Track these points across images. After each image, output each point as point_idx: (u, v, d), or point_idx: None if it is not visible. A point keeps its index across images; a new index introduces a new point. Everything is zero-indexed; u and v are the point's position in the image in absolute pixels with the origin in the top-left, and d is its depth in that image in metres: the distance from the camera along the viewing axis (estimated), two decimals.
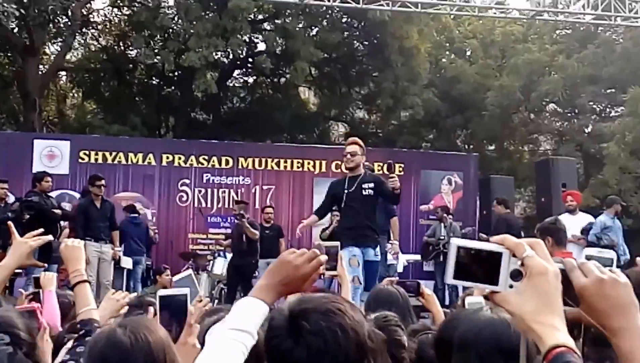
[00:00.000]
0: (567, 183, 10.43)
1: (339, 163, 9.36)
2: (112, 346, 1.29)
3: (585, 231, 8.44)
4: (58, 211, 8.32)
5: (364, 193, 5.43)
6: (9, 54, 14.46)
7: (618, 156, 13.11)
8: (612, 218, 8.64)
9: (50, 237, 2.50)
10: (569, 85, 14.49)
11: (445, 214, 9.86)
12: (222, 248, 10.23)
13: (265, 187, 11.39)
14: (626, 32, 14.28)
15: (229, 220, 11.09)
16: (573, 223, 8.05)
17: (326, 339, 1.07)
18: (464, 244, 0.86)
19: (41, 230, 2.52)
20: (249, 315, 1.24)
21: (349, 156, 5.34)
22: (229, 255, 9.40)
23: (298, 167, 11.67)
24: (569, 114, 16.38)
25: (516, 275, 0.83)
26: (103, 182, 8.33)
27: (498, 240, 0.90)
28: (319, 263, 1.25)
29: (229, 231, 10.56)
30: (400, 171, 10.93)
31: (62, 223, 8.56)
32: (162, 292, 2.03)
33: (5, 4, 11.61)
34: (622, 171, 13.22)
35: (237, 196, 11.22)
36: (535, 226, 5.58)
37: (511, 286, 0.78)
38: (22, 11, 12.73)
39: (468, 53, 16.34)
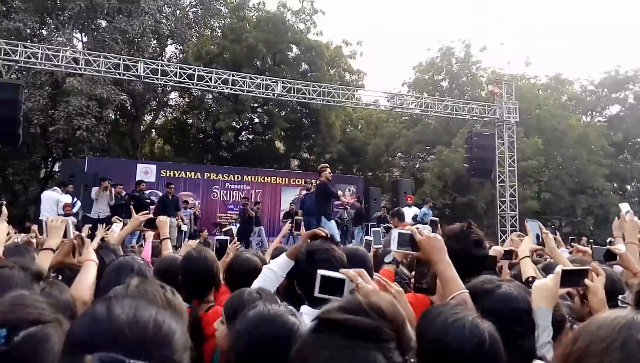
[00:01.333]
0: (406, 191, 16.01)
1: (295, 179, 17.23)
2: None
3: (415, 216, 11.90)
4: (148, 201, 11.74)
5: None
6: (124, 120, 22.07)
7: (431, 179, 20.85)
8: (428, 209, 12.73)
9: (150, 215, 3.66)
10: (408, 144, 23.27)
11: (347, 207, 14.70)
12: (234, 220, 15.11)
13: (257, 190, 17.06)
14: (436, 119, 22.10)
15: (238, 207, 15.73)
16: (409, 212, 11.99)
17: (330, 263, 1.74)
18: (325, 274, 1.39)
19: (146, 211, 3.92)
20: (279, 262, 2.05)
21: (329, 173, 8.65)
22: (235, 226, 12.84)
23: (273, 181, 17.33)
24: (407, 158, 25.02)
25: (352, 291, 1.35)
26: (172, 186, 12.13)
27: (344, 272, 1.47)
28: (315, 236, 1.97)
29: (238, 212, 15.20)
30: None
31: (151, 207, 11.17)
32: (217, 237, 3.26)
33: (122, 94, 18.51)
34: (432, 187, 20.81)
35: (243, 194, 16.29)
36: (390, 213, 9.55)
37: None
38: (132, 98, 20.83)
39: (359, 126, 24.96)
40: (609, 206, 22.79)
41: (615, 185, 26.39)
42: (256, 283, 2.03)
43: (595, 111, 28.99)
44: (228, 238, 3.44)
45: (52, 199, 10.55)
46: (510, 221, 16.49)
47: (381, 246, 3.81)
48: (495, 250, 2.82)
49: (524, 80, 25.27)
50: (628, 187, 27.06)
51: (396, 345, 0.83)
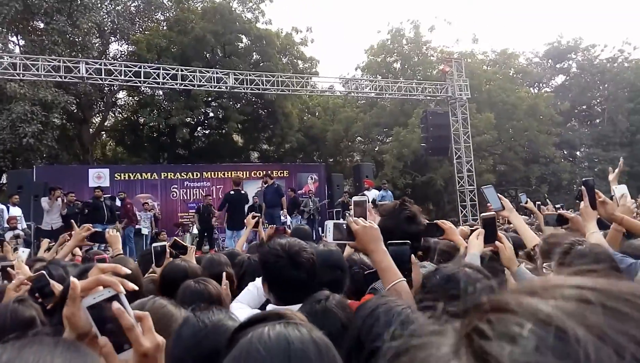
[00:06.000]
0: (367, 175, 16.30)
1: (255, 172, 16.55)
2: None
3: (374, 200, 11.84)
4: (106, 209, 11.29)
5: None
6: (72, 123, 20.58)
7: (391, 161, 20.98)
8: (385, 192, 13.77)
9: (96, 229, 3.44)
10: (366, 128, 23.36)
11: (311, 195, 14.42)
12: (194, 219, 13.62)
13: (218, 186, 16.27)
14: (391, 101, 22.15)
15: (196, 205, 14.65)
16: (369, 196, 11.96)
17: (312, 264, 1.67)
18: (336, 222, 1.70)
19: (89, 224, 3.45)
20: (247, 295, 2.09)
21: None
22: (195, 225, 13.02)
23: (234, 175, 14.35)
24: (367, 142, 25.24)
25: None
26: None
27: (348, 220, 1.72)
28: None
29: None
30: (287, 174, 17.03)
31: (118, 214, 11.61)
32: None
33: (67, 96, 16.97)
34: (393, 168, 20.93)
35: (203, 192, 15.53)
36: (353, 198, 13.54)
37: None
38: (78, 100, 19.56)
39: (317, 113, 24.94)
40: (561, 173, 23.82)
41: (565, 152, 27.51)
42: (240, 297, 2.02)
43: (542, 82, 30.02)
44: (165, 243, 3.27)
45: None
46: (469, 195, 16.93)
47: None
48: (461, 231, 2.84)
49: (473, 57, 25.81)
50: (577, 153, 28.25)
51: None
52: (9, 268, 3.08)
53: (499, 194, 2.90)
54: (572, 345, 0.30)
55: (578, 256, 1.83)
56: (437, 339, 0.38)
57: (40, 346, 0.72)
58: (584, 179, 2.85)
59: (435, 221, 2.66)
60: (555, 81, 30.21)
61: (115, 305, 0.96)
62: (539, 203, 5.40)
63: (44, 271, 2.43)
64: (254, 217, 4.33)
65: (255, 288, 2.05)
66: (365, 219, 1.90)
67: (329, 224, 1.80)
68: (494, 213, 2.48)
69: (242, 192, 11.62)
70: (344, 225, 1.73)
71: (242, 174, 16.38)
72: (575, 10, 62.95)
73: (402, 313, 1.18)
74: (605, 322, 0.31)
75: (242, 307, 1.98)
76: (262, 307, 1.99)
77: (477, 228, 3.11)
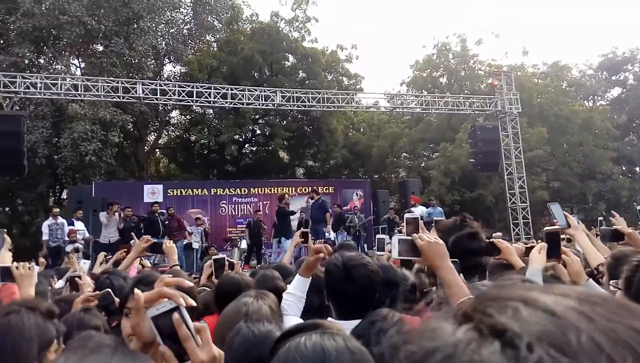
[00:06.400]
0: (414, 192, 16.09)
1: (301, 188, 16.35)
2: None
3: (421, 217, 16.03)
4: (163, 224, 11.94)
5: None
6: (128, 141, 21.49)
7: (437, 177, 20.58)
8: (433, 209, 13.51)
9: (154, 240, 3.48)
10: (411, 143, 23.15)
11: (356, 211, 14.51)
12: (244, 234, 13.74)
13: (265, 202, 16.47)
14: (438, 116, 21.72)
15: (247, 220, 14.61)
16: (415, 211, 10.38)
17: (369, 279, 1.68)
18: (401, 237, 1.61)
19: (149, 236, 3.54)
20: (296, 284, 2.04)
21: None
22: (245, 240, 13.11)
23: (280, 191, 14.97)
24: (412, 158, 24.92)
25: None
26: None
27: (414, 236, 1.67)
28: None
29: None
30: (332, 190, 17.08)
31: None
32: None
33: (125, 116, 18.06)
34: (440, 184, 20.44)
35: (251, 207, 16.06)
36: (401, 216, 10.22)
37: None
38: (134, 119, 20.26)
39: (362, 129, 24.93)
40: (619, 189, 22.58)
41: (623, 168, 26.14)
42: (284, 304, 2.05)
43: (596, 95, 28.81)
44: (225, 256, 3.43)
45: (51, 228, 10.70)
46: (522, 212, 16.36)
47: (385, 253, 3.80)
48: (516, 249, 2.77)
49: (523, 70, 25.15)
50: (637, 169, 26.77)
51: None
52: (76, 279, 3.29)
53: (565, 212, 2.88)
54: (560, 321, 0.35)
55: None
56: (441, 321, 0.41)
57: (99, 355, 0.77)
58: None
59: (491, 240, 2.62)
60: (610, 93, 28.89)
61: (175, 316, 1.00)
62: (601, 218, 5.16)
63: (109, 289, 2.55)
64: (302, 234, 4.36)
65: (291, 296, 2.11)
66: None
67: (395, 240, 1.79)
68: (558, 226, 2.42)
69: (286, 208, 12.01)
70: (410, 241, 1.71)
71: (289, 190, 16.49)
72: (631, 21, 60.23)
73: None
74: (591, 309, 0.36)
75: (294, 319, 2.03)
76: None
77: (532, 246, 3.04)
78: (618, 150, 23.79)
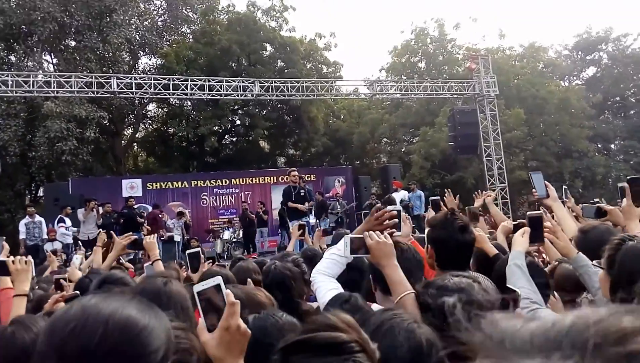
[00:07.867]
0: (395, 176, 16.12)
1: (282, 177, 15.81)
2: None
3: (402, 200, 12.48)
4: (141, 218, 12.04)
5: (301, 193, 9.85)
6: (105, 137, 21.10)
7: (418, 161, 20.56)
8: (411, 193, 13.84)
9: (135, 236, 3.53)
10: (392, 129, 23.11)
11: (339, 198, 14.91)
12: (227, 225, 14.53)
13: (246, 192, 16.37)
14: (417, 101, 22.01)
15: (229, 211, 15.85)
16: (397, 197, 12.38)
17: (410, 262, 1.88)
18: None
19: (130, 233, 3.60)
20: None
21: (295, 176, 9.93)
22: (228, 231, 13.64)
23: (262, 181, 16.74)
24: (393, 143, 25.00)
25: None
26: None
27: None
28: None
29: (230, 216, 15.45)
30: (314, 178, 17.04)
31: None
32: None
33: (100, 111, 17.36)
34: (420, 168, 20.54)
35: (233, 199, 16.10)
36: (382, 201, 9.56)
37: None
38: (110, 114, 19.88)
39: (342, 117, 24.92)
40: (595, 167, 23.05)
41: (599, 146, 26.64)
42: (321, 265, 2.00)
43: (572, 75, 29.18)
44: (199, 249, 3.41)
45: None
46: (501, 193, 16.60)
47: None
48: (505, 226, 2.82)
49: (500, 52, 25.31)
50: (612, 146, 27.32)
51: (366, 357, 0.82)
52: (61, 280, 3.23)
53: (546, 181, 2.82)
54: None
55: (631, 255, 1.66)
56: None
57: (118, 299, 0.89)
58: (628, 177, 2.76)
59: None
60: (586, 73, 29.30)
61: (225, 289, 1.25)
62: (565, 186, 5.25)
63: (77, 292, 2.53)
64: (300, 226, 4.36)
65: (339, 257, 2.01)
66: (399, 229, 2.02)
67: (347, 238, 1.86)
68: (541, 212, 2.40)
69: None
70: (362, 239, 1.79)
71: (270, 180, 16.76)
72: (605, 0, 61.01)
73: (407, 327, 1.19)
74: None
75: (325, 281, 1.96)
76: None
77: (520, 223, 3.07)
78: (594, 128, 24.22)
